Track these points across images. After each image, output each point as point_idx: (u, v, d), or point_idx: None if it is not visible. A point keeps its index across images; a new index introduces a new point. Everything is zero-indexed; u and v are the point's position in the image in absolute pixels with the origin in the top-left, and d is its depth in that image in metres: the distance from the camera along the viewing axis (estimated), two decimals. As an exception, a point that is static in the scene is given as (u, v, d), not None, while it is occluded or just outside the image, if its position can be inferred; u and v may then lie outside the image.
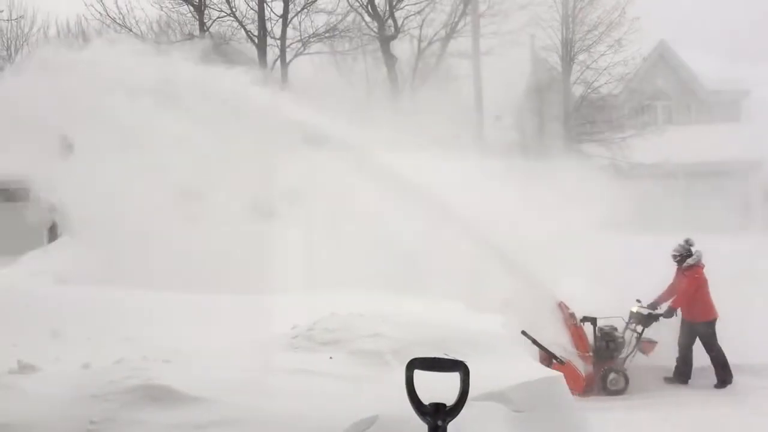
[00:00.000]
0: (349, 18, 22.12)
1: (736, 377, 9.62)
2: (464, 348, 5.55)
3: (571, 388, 5.50)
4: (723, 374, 9.66)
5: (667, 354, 9.94)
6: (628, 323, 9.98)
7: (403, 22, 22.46)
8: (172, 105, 8.14)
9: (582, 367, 9.44)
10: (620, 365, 9.71)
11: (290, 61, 21.36)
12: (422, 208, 9.06)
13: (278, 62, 21.11)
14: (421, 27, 22.83)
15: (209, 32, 20.82)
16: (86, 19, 20.68)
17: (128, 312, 7.34)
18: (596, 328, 9.85)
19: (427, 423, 2.66)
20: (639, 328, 9.91)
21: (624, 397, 9.43)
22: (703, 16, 29.74)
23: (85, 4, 20.21)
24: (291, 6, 21.13)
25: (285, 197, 9.39)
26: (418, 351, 4.86)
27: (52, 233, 19.54)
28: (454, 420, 2.67)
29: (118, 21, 20.29)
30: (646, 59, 24.56)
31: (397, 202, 9.25)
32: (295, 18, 21.40)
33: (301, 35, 21.56)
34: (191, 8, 21.26)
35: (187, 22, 21.58)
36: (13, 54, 24.59)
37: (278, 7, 21.17)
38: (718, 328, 9.82)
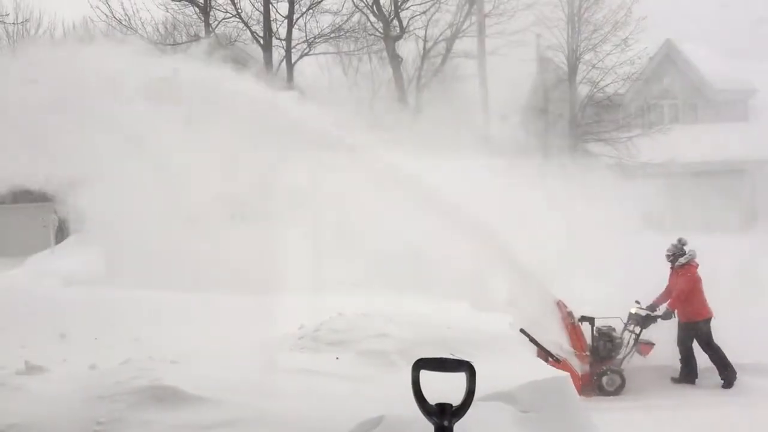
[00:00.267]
0: (355, 18, 22.16)
1: (743, 377, 9.58)
2: (470, 348, 5.55)
3: None
4: (726, 373, 9.63)
5: (670, 354, 9.91)
6: (626, 324, 9.97)
7: (408, 23, 22.47)
8: (177, 105, 8.14)
9: (578, 367, 9.42)
10: (617, 365, 9.70)
11: (296, 61, 21.39)
12: (427, 208, 9.05)
13: (284, 63, 21.14)
14: (426, 27, 22.85)
15: (215, 33, 20.87)
16: (92, 21, 20.74)
17: (134, 313, 7.36)
18: (594, 328, 9.84)
19: (434, 423, 2.65)
20: (637, 329, 9.90)
21: (631, 398, 9.40)
22: (709, 14, 29.67)
23: (91, 6, 20.29)
24: (296, 7, 21.16)
25: (291, 197, 9.39)
26: (425, 351, 4.85)
27: (59, 234, 19.63)
28: (460, 420, 2.66)
29: (123, 23, 20.35)
30: (653, 58, 24.49)
31: (403, 202, 9.25)
32: (301, 19, 21.43)
33: (306, 36, 21.60)
34: (197, 10, 21.31)
35: (193, 23, 21.63)
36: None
37: (284, 8, 21.22)
38: (722, 327, 9.78)
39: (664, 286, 10.23)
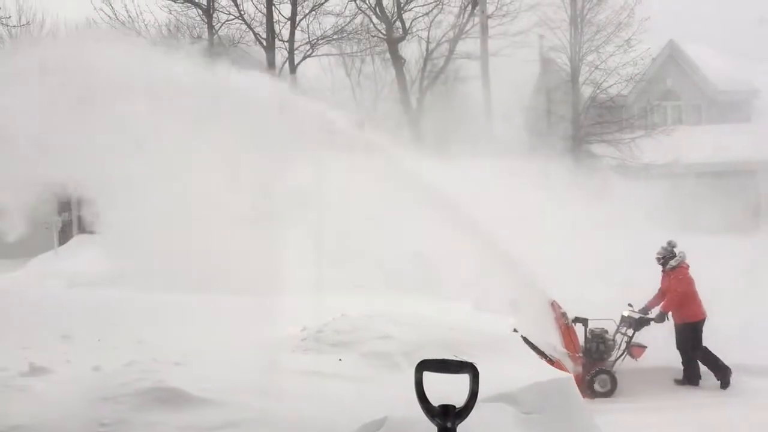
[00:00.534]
0: (357, 20, 22.16)
1: (747, 379, 9.56)
2: (473, 349, 5.54)
3: None
4: (720, 374, 9.62)
5: (672, 356, 9.89)
6: (618, 327, 9.96)
7: (411, 24, 22.48)
8: (186, 104, 8.13)
9: (571, 368, 9.40)
10: (609, 367, 9.69)
11: (298, 63, 21.41)
12: (427, 208, 9.04)
13: (286, 64, 21.16)
14: (429, 28, 22.86)
15: (218, 35, 20.89)
16: (95, 23, 20.77)
17: (138, 314, 7.36)
18: (587, 330, 9.83)
19: (437, 425, 2.66)
20: (630, 332, 9.89)
21: (633, 399, 9.39)
22: (712, 15, 29.63)
23: (95, 8, 20.33)
24: (299, 8, 21.18)
25: (294, 198, 9.40)
26: (428, 353, 4.86)
27: (62, 236, 19.65)
28: (463, 422, 2.67)
29: (127, 24, 20.38)
30: (656, 59, 24.46)
31: (406, 204, 9.25)
32: (303, 20, 21.45)
33: (309, 38, 21.61)
34: (200, 12, 21.35)
35: (196, 25, 21.67)
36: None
37: (286, 10, 21.25)
38: (727, 327, 9.76)
39: (643, 287, 10.20)
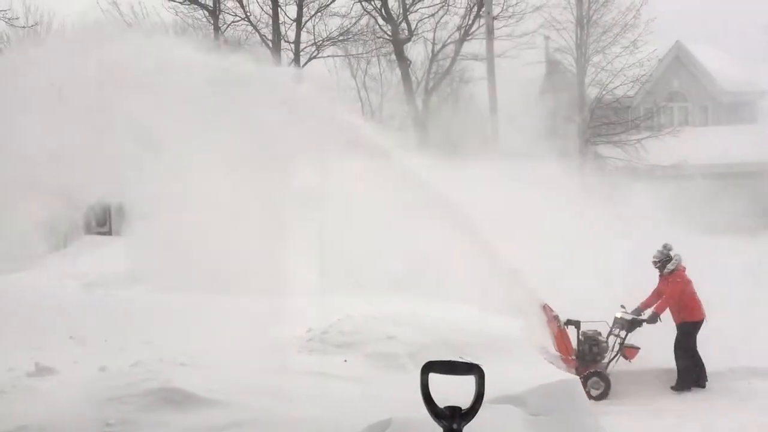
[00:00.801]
0: (363, 21, 22.17)
1: (753, 381, 9.51)
2: (479, 351, 5.54)
3: None
4: (680, 381, 9.59)
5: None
6: (611, 328, 9.91)
7: (416, 25, 22.46)
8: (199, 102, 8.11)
9: (564, 370, 9.34)
10: (602, 370, 9.64)
11: (304, 64, 21.42)
12: (431, 212, 9.01)
13: (292, 66, 21.19)
14: (434, 30, 22.83)
15: (224, 36, 20.93)
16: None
17: (144, 315, 7.38)
18: (580, 332, 9.78)
19: (443, 426, 2.64)
20: (622, 334, 9.85)
21: (639, 401, 9.33)
22: (719, 16, 29.55)
23: (101, 10, 20.40)
24: (305, 10, 21.21)
25: (301, 200, 9.40)
26: (432, 354, 4.86)
27: (70, 235, 19.67)
28: (469, 424, 2.66)
29: (134, 26, 20.44)
30: (662, 60, 24.39)
31: (412, 206, 9.23)
32: (309, 22, 21.47)
33: (315, 39, 21.64)
34: (206, 13, 21.40)
35: (202, 26, 21.71)
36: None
37: (292, 11, 21.28)
38: (733, 329, 9.70)
39: (651, 290, 10.15)
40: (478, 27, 22.01)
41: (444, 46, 23.15)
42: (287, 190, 8.78)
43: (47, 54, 8.27)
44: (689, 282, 9.91)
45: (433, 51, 23.33)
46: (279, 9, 20.87)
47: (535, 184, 11.43)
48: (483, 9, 20.96)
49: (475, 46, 22.49)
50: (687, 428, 7.87)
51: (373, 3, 21.86)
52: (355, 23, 21.83)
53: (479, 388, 2.69)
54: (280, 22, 20.89)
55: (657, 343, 9.71)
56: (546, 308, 9.60)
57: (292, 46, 21.22)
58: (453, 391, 2.81)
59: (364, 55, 24.21)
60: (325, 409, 4.50)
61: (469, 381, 2.75)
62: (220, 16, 21.28)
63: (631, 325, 9.82)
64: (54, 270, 13.75)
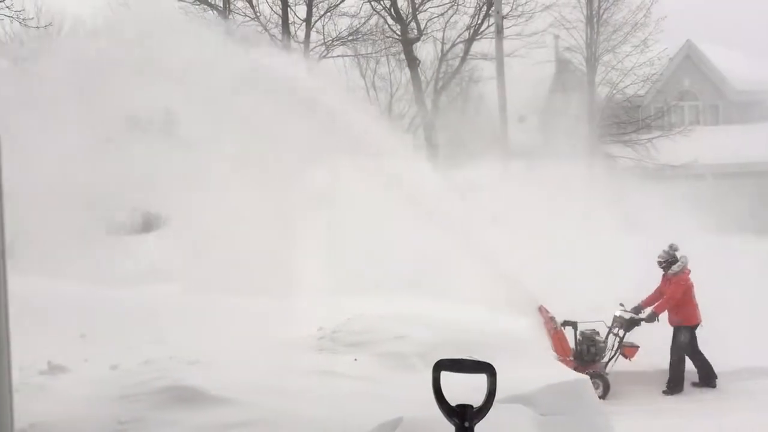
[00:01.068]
0: (372, 21, 22.16)
1: (761, 381, 9.46)
2: (489, 351, 5.52)
3: None
4: (672, 383, 9.57)
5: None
6: (610, 327, 9.86)
7: (426, 25, 22.44)
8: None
9: None
10: (601, 370, 9.59)
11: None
12: (432, 213, 8.98)
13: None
14: (444, 29, 22.80)
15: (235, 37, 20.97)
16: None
17: (156, 313, 7.41)
18: (577, 333, 9.74)
19: (454, 424, 2.64)
20: (621, 332, 9.80)
21: (650, 402, 9.31)
22: (729, 15, 29.37)
23: (112, 10, 20.46)
24: (314, 10, 21.23)
25: (312, 201, 9.42)
26: (442, 353, 4.83)
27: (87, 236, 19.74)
28: (480, 423, 2.66)
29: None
30: (673, 59, 24.26)
31: (421, 207, 9.23)
32: (319, 21, 21.49)
33: (324, 39, 21.65)
34: (216, 13, 21.46)
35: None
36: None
37: (302, 11, 21.30)
38: (741, 329, 9.65)
39: (654, 288, 10.12)
40: (488, 26, 21.97)
41: (453, 45, 23.12)
42: (302, 192, 8.80)
43: (77, 55, 8.29)
44: (691, 286, 9.89)
45: (442, 50, 23.32)
46: (288, 9, 20.90)
47: (544, 183, 11.41)
48: (492, 8, 20.90)
49: (484, 45, 22.46)
50: (691, 429, 7.84)
51: (382, 3, 21.85)
52: (364, 23, 21.82)
53: (491, 386, 2.70)
54: (289, 22, 20.92)
55: (657, 343, 9.69)
56: (542, 309, 9.58)
57: (302, 46, 21.24)
58: (461, 390, 2.81)
59: (374, 55, 24.22)
60: (335, 408, 4.51)
61: (476, 381, 2.75)
62: (230, 16, 21.33)
63: (630, 324, 9.79)
64: (78, 271, 13.80)
